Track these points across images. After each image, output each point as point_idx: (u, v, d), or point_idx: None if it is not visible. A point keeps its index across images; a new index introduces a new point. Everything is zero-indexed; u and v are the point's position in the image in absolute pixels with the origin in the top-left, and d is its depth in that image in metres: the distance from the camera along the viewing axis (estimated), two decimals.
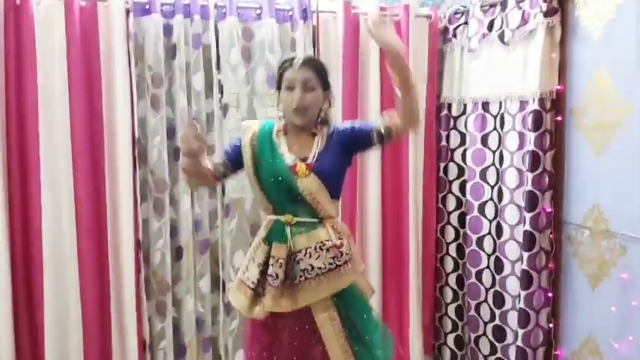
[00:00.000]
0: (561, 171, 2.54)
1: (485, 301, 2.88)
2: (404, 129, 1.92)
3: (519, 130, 2.63)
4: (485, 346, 2.90)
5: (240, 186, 2.79)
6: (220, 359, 2.90)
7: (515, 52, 2.66)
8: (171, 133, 2.74)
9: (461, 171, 3.03)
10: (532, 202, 2.54)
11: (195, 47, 2.71)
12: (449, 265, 3.11)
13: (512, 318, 2.70)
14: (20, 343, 2.60)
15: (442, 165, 3.11)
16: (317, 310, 1.89)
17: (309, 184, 1.88)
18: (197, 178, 1.96)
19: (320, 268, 1.87)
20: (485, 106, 2.86)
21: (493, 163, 2.83)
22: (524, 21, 2.59)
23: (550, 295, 2.60)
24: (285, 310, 1.87)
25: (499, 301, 2.79)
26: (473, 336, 2.97)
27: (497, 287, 2.80)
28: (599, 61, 2.33)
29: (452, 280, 3.10)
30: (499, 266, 2.77)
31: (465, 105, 2.99)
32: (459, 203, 3.05)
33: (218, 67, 2.78)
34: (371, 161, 2.94)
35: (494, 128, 2.82)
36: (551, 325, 2.61)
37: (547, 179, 2.56)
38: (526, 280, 2.57)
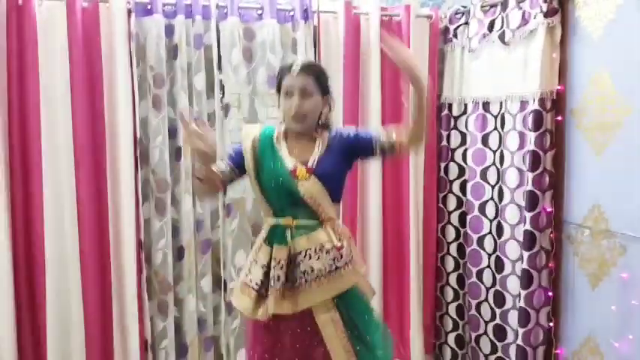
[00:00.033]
0: (562, 171, 2.55)
1: (486, 300, 2.89)
2: (408, 147, 1.95)
3: (520, 130, 2.64)
4: (485, 345, 2.91)
5: (241, 186, 2.79)
6: (222, 358, 2.91)
7: (515, 52, 2.66)
8: (172, 133, 2.75)
9: (461, 171, 3.04)
10: (532, 201, 2.55)
11: (197, 47, 2.72)
12: (450, 264, 3.12)
13: (513, 317, 2.71)
14: (22, 343, 2.61)
15: (443, 165, 3.12)
16: (318, 312, 1.90)
17: (309, 188, 1.88)
18: (208, 184, 1.94)
19: (320, 269, 1.88)
20: (486, 106, 2.87)
21: (494, 163, 2.84)
22: (524, 21, 2.60)
23: (550, 294, 2.61)
24: (287, 312, 1.88)
25: (500, 300, 2.80)
26: (474, 335, 2.98)
27: (497, 286, 2.81)
28: (599, 62, 2.33)
29: (453, 279, 3.11)
30: (499, 266, 2.78)
31: (465, 105, 3.00)
32: (460, 203, 3.06)
33: (219, 68, 2.79)
34: (371, 163, 2.94)
35: (495, 128, 2.83)
36: (551, 324, 2.62)
37: (547, 179, 2.57)
38: (526, 279, 2.58)
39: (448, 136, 3.09)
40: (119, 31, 2.60)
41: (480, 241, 2.91)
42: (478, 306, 2.93)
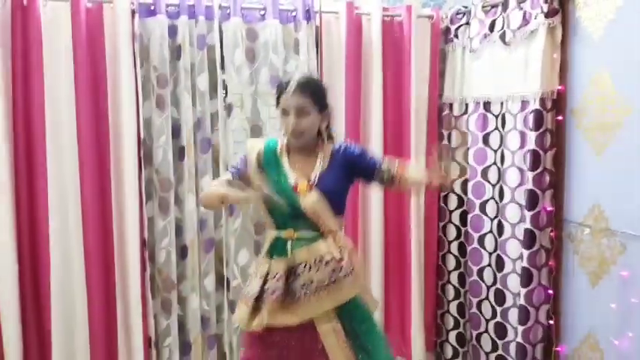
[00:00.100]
0: (562, 170, 2.57)
1: (487, 298, 2.91)
2: (408, 186, 2.04)
3: (520, 130, 2.66)
4: (486, 343, 2.93)
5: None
6: (225, 356, 2.93)
7: (516, 52, 2.68)
8: (176, 133, 2.77)
9: (462, 170, 3.06)
10: (532, 200, 2.57)
11: (200, 48, 2.74)
12: (451, 263, 3.14)
13: (513, 315, 2.73)
14: (28, 340, 2.63)
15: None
16: (320, 322, 1.92)
17: (311, 203, 1.91)
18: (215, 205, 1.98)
19: (320, 281, 1.90)
20: (487, 105, 2.89)
21: (494, 163, 2.86)
22: (525, 21, 2.61)
23: (550, 292, 2.63)
24: (288, 323, 1.90)
25: (500, 298, 2.82)
26: (474, 333, 3.00)
27: (498, 285, 2.83)
28: (599, 62, 2.35)
29: (454, 277, 3.13)
30: (500, 264, 2.81)
31: (466, 105, 3.02)
32: (461, 202, 3.08)
33: (222, 68, 2.81)
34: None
35: (496, 128, 2.85)
36: (551, 322, 2.64)
37: (547, 178, 2.59)
38: (526, 277, 2.60)
39: (449, 136, 3.11)
40: (123, 31, 2.61)
41: (481, 239, 2.93)
42: (479, 304, 2.95)
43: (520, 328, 2.64)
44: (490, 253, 2.89)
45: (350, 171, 2.00)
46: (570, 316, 2.58)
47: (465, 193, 3.03)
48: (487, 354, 2.93)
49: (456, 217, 3.10)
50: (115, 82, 2.65)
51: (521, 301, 2.63)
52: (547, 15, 2.49)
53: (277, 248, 1.97)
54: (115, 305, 2.72)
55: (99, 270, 2.68)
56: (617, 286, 2.30)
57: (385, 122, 3.00)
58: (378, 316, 3.01)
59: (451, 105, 3.10)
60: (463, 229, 3.07)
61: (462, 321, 3.13)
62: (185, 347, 2.86)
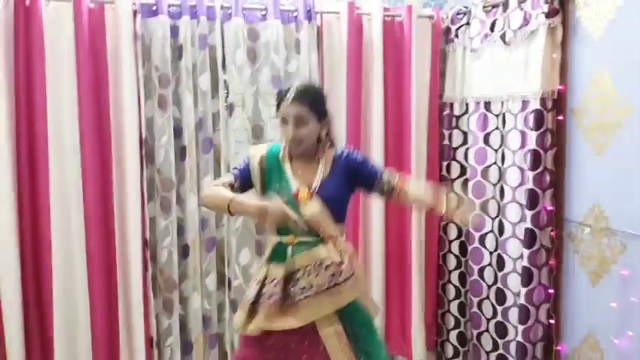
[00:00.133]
0: (562, 170, 2.58)
1: (488, 297, 2.92)
2: (407, 203, 2.08)
3: (521, 130, 2.67)
4: (487, 343, 2.94)
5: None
6: (226, 356, 2.94)
7: (516, 52, 2.69)
8: (177, 132, 2.78)
9: (463, 170, 3.07)
10: (533, 200, 2.58)
11: (202, 48, 2.75)
12: (451, 262, 3.15)
13: (514, 314, 2.74)
14: (30, 338, 2.64)
15: (445, 164, 3.15)
16: (322, 325, 1.94)
17: (312, 211, 1.92)
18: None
19: (319, 285, 1.91)
20: (488, 105, 2.90)
21: (495, 162, 2.87)
22: (525, 22, 2.62)
23: (550, 291, 2.64)
24: (289, 327, 1.92)
25: (501, 297, 2.82)
26: (475, 332, 3.00)
27: (499, 284, 2.83)
28: (599, 62, 2.36)
29: (454, 277, 3.13)
30: (501, 263, 2.81)
31: (467, 104, 3.03)
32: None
33: (224, 68, 2.82)
34: (374, 160, 2.97)
35: (497, 127, 2.86)
36: (552, 321, 2.65)
37: (548, 178, 2.60)
38: (527, 276, 2.61)
39: (450, 135, 3.12)
40: (125, 31, 2.62)
41: (482, 239, 2.94)
42: (480, 303, 2.96)
43: (520, 328, 2.65)
44: (491, 253, 2.89)
45: (351, 179, 2.02)
46: (571, 315, 2.59)
47: (466, 192, 3.04)
48: (488, 353, 2.94)
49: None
50: (116, 81, 2.66)
51: (522, 300, 2.63)
52: (547, 15, 2.50)
53: (278, 253, 1.99)
54: (117, 305, 2.73)
55: (101, 269, 2.69)
56: (617, 286, 2.31)
57: (386, 122, 3.01)
58: (379, 314, 3.04)
59: (452, 105, 3.11)
60: (464, 229, 3.08)
61: (462, 320, 3.14)
62: (187, 347, 2.87)
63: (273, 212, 1.81)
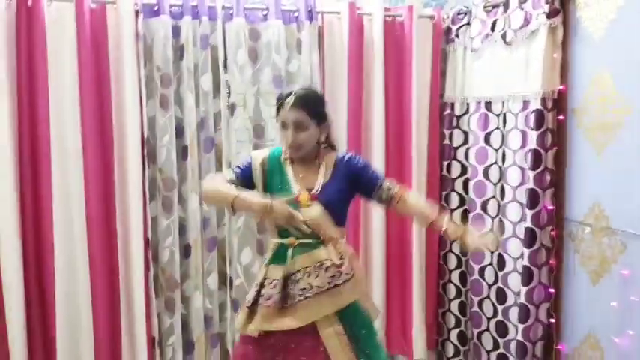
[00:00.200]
0: (563, 169, 2.59)
1: (488, 297, 2.92)
2: (406, 214, 2.09)
3: (522, 129, 2.68)
4: (487, 342, 2.94)
5: None
6: (228, 355, 2.95)
7: (517, 52, 2.70)
8: (179, 132, 2.78)
9: (464, 169, 3.08)
10: (533, 199, 2.59)
11: (203, 48, 2.76)
12: (452, 261, 3.15)
13: (514, 313, 2.75)
14: (33, 337, 2.65)
15: (445, 163, 3.16)
16: (322, 326, 1.95)
17: (313, 214, 1.94)
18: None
19: (319, 286, 1.93)
20: (488, 105, 2.90)
21: (496, 162, 2.87)
22: (526, 22, 2.63)
23: (550, 290, 2.64)
24: (288, 327, 1.93)
25: (501, 297, 2.83)
26: (476, 331, 3.01)
27: (499, 283, 2.84)
28: (600, 62, 2.37)
29: (455, 276, 3.14)
30: (501, 263, 2.82)
31: (467, 104, 3.03)
32: (462, 201, 3.09)
33: (225, 68, 2.83)
34: (375, 160, 2.98)
35: (497, 127, 2.86)
36: (552, 320, 2.65)
37: (548, 177, 2.60)
38: (527, 276, 2.62)
39: (450, 135, 3.12)
40: (127, 31, 2.63)
41: None
42: (480, 303, 2.97)
43: (520, 326, 2.66)
44: (491, 252, 2.90)
45: (351, 184, 2.03)
46: (571, 314, 2.59)
47: (467, 192, 3.05)
48: (488, 352, 2.94)
49: (457, 216, 3.12)
50: (118, 81, 2.66)
51: (522, 299, 2.64)
52: (548, 15, 2.51)
53: (278, 255, 2.01)
54: (119, 304, 2.74)
55: (103, 269, 2.70)
56: (617, 285, 2.32)
57: (387, 121, 3.02)
58: (380, 314, 3.04)
59: (452, 104, 3.12)
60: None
61: (463, 319, 3.14)
62: (188, 346, 2.88)
63: (278, 211, 1.83)
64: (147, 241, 2.74)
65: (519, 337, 2.67)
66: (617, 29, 2.29)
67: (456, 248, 3.12)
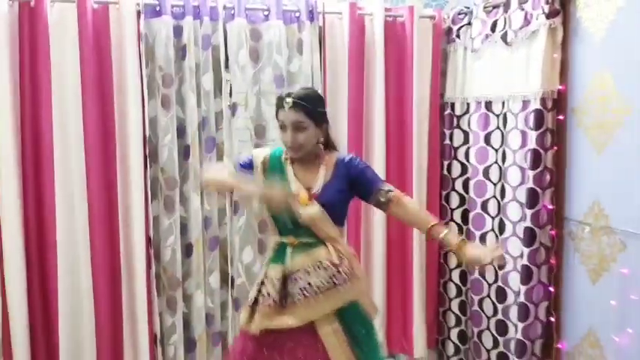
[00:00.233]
0: (563, 169, 2.60)
1: (488, 296, 2.94)
2: (404, 218, 2.07)
3: (522, 129, 2.69)
4: (488, 340, 2.96)
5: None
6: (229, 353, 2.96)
7: (517, 52, 2.71)
8: (181, 132, 2.79)
9: (464, 169, 3.09)
10: (533, 199, 2.60)
11: (205, 48, 2.77)
12: (452, 261, 3.16)
13: (514, 312, 2.76)
14: (35, 337, 2.66)
15: (446, 163, 3.17)
16: (320, 325, 1.97)
17: (311, 214, 1.96)
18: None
19: (318, 286, 1.95)
20: (488, 105, 2.91)
21: (496, 161, 2.89)
22: (526, 22, 2.64)
23: (550, 289, 2.66)
24: (287, 326, 1.95)
25: (501, 296, 2.85)
26: (476, 330, 3.02)
27: (499, 283, 2.85)
28: (600, 62, 2.38)
29: (455, 276, 3.15)
30: (503, 263, 2.83)
31: (468, 104, 3.05)
32: (462, 200, 3.11)
33: (227, 68, 2.84)
34: (376, 160, 3.00)
35: (497, 127, 2.87)
36: (552, 319, 2.67)
37: (548, 177, 2.61)
38: (526, 275, 2.63)
39: (451, 135, 3.14)
40: (129, 32, 2.64)
41: (483, 237, 2.96)
42: (480, 302, 2.98)
43: (520, 325, 2.67)
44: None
45: (350, 185, 2.05)
46: (571, 313, 2.61)
47: (467, 191, 3.06)
48: (488, 351, 2.96)
49: (457, 216, 3.14)
50: (120, 81, 2.68)
51: (521, 298, 2.65)
52: (548, 16, 2.52)
53: (279, 254, 2.03)
54: (121, 303, 2.75)
55: (105, 268, 2.71)
56: (617, 284, 2.33)
57: (388, 121, 3.03)
58: (380, 313, 3.05)
59: (453, 104, 3.13)
60: (465, 228, 3.10)
61: (463, 318, 3.16)
62: (190, 344, 2.89)
63: (277, 196, 1.86)
64: (149, 241, 2.75)
65: (519, 335, 2.68)
66: (618, 30, 2.30)
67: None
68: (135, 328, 2.76)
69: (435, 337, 3.26)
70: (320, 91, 2.76)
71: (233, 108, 2.85)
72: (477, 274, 2.98)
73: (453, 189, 3.15)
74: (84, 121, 2.62)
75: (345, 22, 2.94)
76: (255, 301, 2.02)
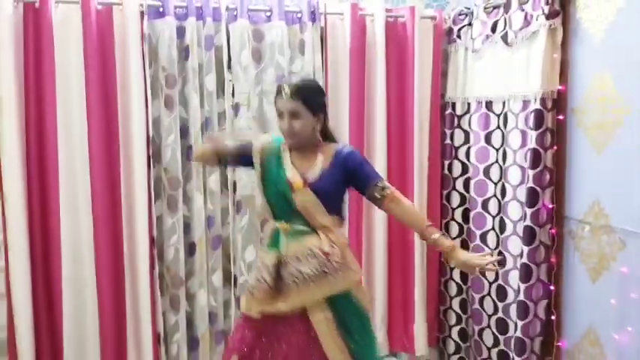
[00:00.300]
0: (563, 168, 2.61)
1: (489, 294, 2.95)
2: (399, 216, 2.10)
3: (522, 129, 2.70)
4: (488, 339, 2.98)
5: (251, 183, 2.86)
6: None
7: (517, 52, 2.72)
8: (184, 132, 2.81)
9: (465, 168, 3.11)
10: (533, 198, 2.62)
11: (208, 49, 2.78)
12: None
13: (514, 311, 2.77)
14: (40, 337, 2.68)
15: (447, 162, 3.19)
16: (313, 312, 2.02)
17: (303, 199, 2.00)
18: (206, 159, 2.17)
19: (307, 273, 1.98)
20: (489, 105, 2.93)
21: (496, 161, 2.91)
22: (526, 22, 2.66)
23: (550, 287, 2.67)
24: (279, 311, 2.00)
25: (502, 294, 2.87)
26: (477, 328, 3.04)
27: (500, 281, 2.87)
28: (600, 63, 2.39)
29: (456, 274, 3.17)
30: (502, 260, 2.85)
31: (468, 104, 3.06)
32: (463, 200, 3.13)
33: (229, 68, 2.85)
34: (377, 159, 3.01)
35: (498, 127, 2.89)
36: (552, 317, 2.69)
37: (548, 176, 2.63)
38: (526, 273, 2.65)
39: (452, 135, 3.16)
40: (132, 32, 2.66)
41: (483, 236, 2.98)
42: (481, 300, 3.00)
43: (520, 323, 2.69)
44: (492, 250, 2.93)
45: (347, 176, 2.08)
46: (571, 311, 2.62)
47: (468, 191, 3.08)
48: (489, 349, 2.98)
49: (458, 215, 3.15)
50: (124, 82, 2.69)
51: (521, 296, 2.67)
52: (548, 16, 2.53)
53: (274, 240, 2.08)
54: (125, 302, 2.77)
55: (109, 267, 2.73)
56: (616, 282, 2.35)
57: (389, 121, 3.05)
58: (381, 312, 3.08)
59: (454, 104, 3.15)
60: (465, 227, 3.12)
61: (464, 317, 3.18)
62: (193, 343, 2.91)
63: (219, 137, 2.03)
64: (152, 240, 2.77)
65: (518, 333, 2.70)
66: (617, 31, 2.31)
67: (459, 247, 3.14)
68: (138, 327, 2.78)
69: (435, 336, 3.28)
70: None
71: (236, 108, 2.87)
72: (477, 272, 2.99)
73: (454, 188, 3.16)
74: (88, 121, 2.64)
75: (347, 23, 2.96)
76: (253, 285, 2.09)
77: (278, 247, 2.06)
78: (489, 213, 2.95)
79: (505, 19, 2.80)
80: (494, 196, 2.92)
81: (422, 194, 3.11)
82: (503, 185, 2.85)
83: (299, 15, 2.91)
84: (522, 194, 2.69)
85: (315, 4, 2.89)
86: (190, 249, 2.88)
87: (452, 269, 3.19)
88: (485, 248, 2.96)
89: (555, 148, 2.62)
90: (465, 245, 3.11)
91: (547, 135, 2.61)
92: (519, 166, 2.72)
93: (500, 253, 2.80)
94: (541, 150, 2.60)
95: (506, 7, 2.79)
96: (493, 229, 2.93)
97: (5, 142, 2.52)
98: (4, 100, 2.50)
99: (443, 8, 3.24)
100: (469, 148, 3.06)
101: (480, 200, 2.99)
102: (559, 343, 2.67)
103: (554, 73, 2.58)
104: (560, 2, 2.54)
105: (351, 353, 2.04)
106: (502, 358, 2.88)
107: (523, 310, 2.67)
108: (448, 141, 3.17)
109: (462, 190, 3.13)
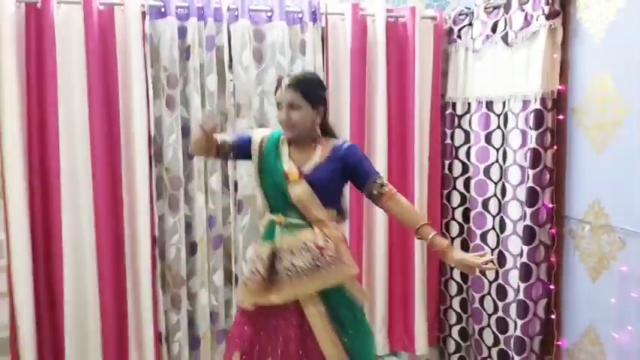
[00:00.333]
0: (563, 168, 2.62)
1: (489, 293, 2.96)
2: (394, 213, 2.10)
3: (522, 129, 2.71)
4: (488, 338, 2.99)
5: (252, 183, 2.87)
6: None
7: (518, 53, 2.73)
8: (185, 132, 2.82)
9: (465, 168, 3.12)
10: (532, 197, 2.63)
11: (209, 49, 2.79)
12: None
13: (514, 310, 2.78)
14: (41, 336, 2.69)
15: (447, 162, 3.19)
16: (306, 305, 2.03)
17: (299, 192, 2.01)
18: (202, 147, 2.14)
19: (300, 267, 1.99)
20: (489, 105, 2.94)
21: (497, 161, 2.91)
22: (527, 23, 2.67)
23: (550, 287, 2.68)
24: (271, 303, 2.02)
25: (502, 293, 2.88)
26: (477, 328, 3.05)
27: (500, 280, 2.88)
28: (600, 63, 2.40)
29: (456, 273, 3.18)
30: (502, 260, 2.86)
31: (469, 104, 3.07)
32: (464, 199, 3.13)
33: (230, 68, 2.86)
34: (377, 159, 3.02)
35: (498, 126, 2.90)
36: (553, 317, 2.69)
37: (547, 176, 2.64)
38: (526, 272, 2.66)
39: (452, 135, 3.16)
40: (134, 32, 2.67)
41: (484, 236, 2.99)
42: (481, 299, 3.01)
43: (519, 322, 2.70)
44: (492, 249, 2.94)
45: (345, 171, 2.09)
46: (571, 310, 2.63)
47: (468, 190, 3.09)
48: (489, 348, 2.99)
49: (458, 214, 3.16)
50: (126, 82, 2.70)
51: (521, 295, 2.68)
52: (548, 17, 2.54)
53: (268, 232, 2.10)
54: (126, 301, 2.78)
55: (110, 267, 2.74)
56: (616, 281, 2.36)
57: (389, 121, 3.06)
58: (382, 311, 3.09)
59: (454, 104, 3.16)
60: (466, 226, 3.13)
61: (464, 316, 3.19)
62: (194, 342, 2.92)
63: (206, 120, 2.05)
64: (154, 239, 2.78)
65: (518, 332, 2.70)
66: (617, 31, 2.32)
67: (457, 246, 3.16)
68: (140, 326, 2.79)
69: (436, 335, 3.29)
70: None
71: (237, 108, 2.88)
72: (477, 272, 3.00)
73: (454, 188, 3.17)
74: (89, 121, 2.65)
75: (348, 23, 2.97)
76: (248, 278, 2.10)
77: (273, 239, 2.07)
78: (489, 213, 2.96)
79: (505, 20, 2.81)
80: (495, 195, 2.93)
81: (422, 194, 3.12)
82: (503, 185, 2.86)
83: (300, 15, 2.92)
84: (522, 194, 2.70)
85: (316, 4, 2.90)
86: (192, 248, 2.89)
87: (452, 269, 3.19)
88: (486, 248, 2.97)
89: (555, 147, 2.63)
90: (465, 245, 3.13)
91: (547, 135, 2.62)
92: (519, 166, 2.73)
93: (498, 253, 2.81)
94: (541, 150, 2.60)
95: (507, 7, 2.80)
96: (493, 228, 2.94)
97: (7, 141, 2.54)
98: (6, 100, 2.51)
99: (443, 8, 3.25)
100: (469, 147, 3.07)
101: (480, 200, 3.00)
102: (559, 342, 2.67)
103: (554, 73, 2.59)
104: (560, 2, 2.55)
105: (345, 347, 2.05)
106: (502, 357, 2.89)
107: (523, 310, 2.68)
108: (448, 141, 3.18)
109: (462, 190, 3.14)
